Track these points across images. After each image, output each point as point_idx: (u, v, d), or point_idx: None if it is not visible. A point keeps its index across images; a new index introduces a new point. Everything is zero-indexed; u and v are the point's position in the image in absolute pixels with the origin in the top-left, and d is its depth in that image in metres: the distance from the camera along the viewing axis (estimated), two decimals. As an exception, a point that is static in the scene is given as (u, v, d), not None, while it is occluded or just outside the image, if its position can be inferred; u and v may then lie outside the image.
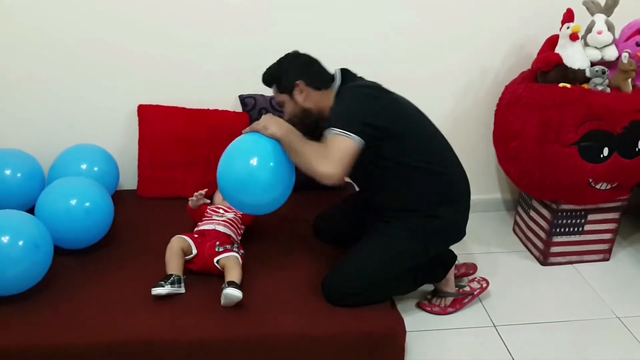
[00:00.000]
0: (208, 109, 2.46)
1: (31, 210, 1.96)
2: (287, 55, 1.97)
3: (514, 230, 2.73)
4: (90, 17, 2.31)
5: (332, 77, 1.94)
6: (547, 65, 2.23)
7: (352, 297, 1.79)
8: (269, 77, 1.97)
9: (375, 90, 1.88)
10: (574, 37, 2.22)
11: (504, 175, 2.81)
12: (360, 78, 1.99)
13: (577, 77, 2.22)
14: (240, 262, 1.90)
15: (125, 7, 2.31)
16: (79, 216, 1.93)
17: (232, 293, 1.71)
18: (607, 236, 2.43)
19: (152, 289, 1.76)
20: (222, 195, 1.87)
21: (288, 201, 1.95)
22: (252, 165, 1.75)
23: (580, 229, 2.39)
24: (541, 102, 2.17)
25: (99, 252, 2.03)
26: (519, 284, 2.32)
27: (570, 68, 2.22)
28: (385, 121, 1.79)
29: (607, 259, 2.49)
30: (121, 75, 2.42)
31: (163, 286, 1.76)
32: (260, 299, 1.82)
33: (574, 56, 2.23)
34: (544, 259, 2.43)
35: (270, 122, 1.79)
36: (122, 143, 2.51)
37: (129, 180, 2.52)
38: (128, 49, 2.38)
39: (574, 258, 2.45)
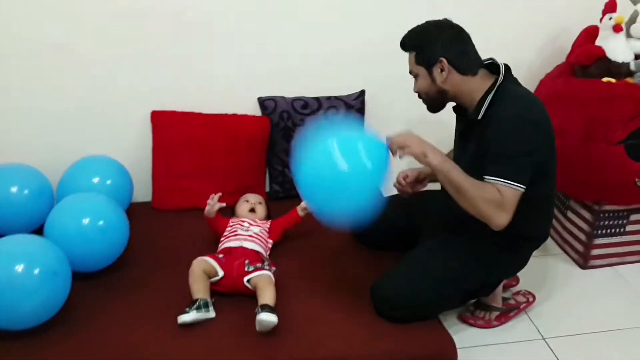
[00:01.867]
0: (226, 114, 2.31)
1: (39, 231, 1.82)
2: (439, 23, 1.71)
3: (547, 232, 2.60)
4: (98, 19, 2.13)
5: (481, 63, 1.73)
6: (589, 59, 2.10)
7: (402, 309, 1.67)
8: (410, 42, 1.72)
9: (536, 110, 1.65)
10: (617, 28, 2.09)
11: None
12: (516, 79, 1.76)
13: (620, 70, 2.10)
14: (273, 280, 1.76)
15: (134, 7, 2.13)
16: (93, 236, 1.78)
17: (268, 319, 1.57)
18: (649, 236, 2.32)
19: (178, 317, 1.62)
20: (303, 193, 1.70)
21: None
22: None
23: (622, 229, 2.27)
24: (584, 98, 2.05)
25: (115, 274, 1.88)
26: (562, 291, 2.20)
27: (614, 61, 2.09)
28: (543, 154, 1.65)
29: (649, 260, 2.38)
30: (132, 80, 2.25)
31: (188, 312, 1.62)
32: (298, 320, 1.68)
33: (617, 48, 2.10)
34: (584, 262, 2.32)
35: (414, 142, 1.61)
36: (135, 152, 2.34)
37: (142, 192, 2.35)
38: (139, 51, 2.21)
39: (614, 260, 2.34)
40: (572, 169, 2.12)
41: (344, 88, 2.36)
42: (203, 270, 1.74)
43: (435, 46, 1.67)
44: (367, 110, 2.40)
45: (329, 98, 2.33)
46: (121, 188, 2.15)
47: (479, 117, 1.66)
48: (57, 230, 1.78)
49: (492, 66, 1.74)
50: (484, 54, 2.41)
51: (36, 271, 1.54)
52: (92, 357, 1.55)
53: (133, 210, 2.20)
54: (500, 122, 1.60)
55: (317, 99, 2.33)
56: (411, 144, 1.61)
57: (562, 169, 2.15)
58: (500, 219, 1.57)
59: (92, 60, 2.19)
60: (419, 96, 1.77)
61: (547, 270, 2.33)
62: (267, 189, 2.44)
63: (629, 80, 2.10)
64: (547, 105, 2.17)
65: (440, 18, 1.73)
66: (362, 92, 2.37)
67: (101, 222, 1.80)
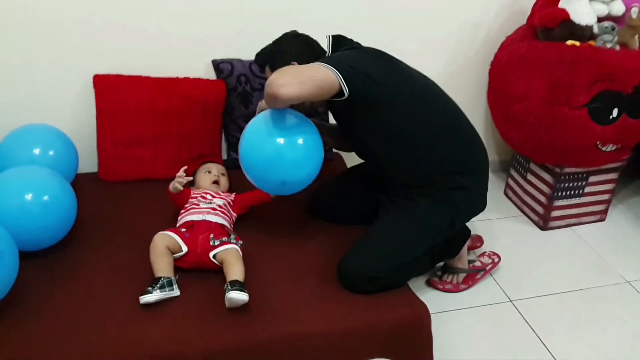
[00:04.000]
0: (177, 77, 2.14)
1: None
2: (285, 35, 1.81)
3: (505, 194, 2.63)
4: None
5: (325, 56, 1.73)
6: (553, 22, 2.07)
7: (373, 281, 1.62)
8: (263, 57, 1.81)
9: (374, 49, 1.70)
10: (581, -11, 2.08)
11: (495, 137, 2.70)
12: (358, 44, 1.78)
13: (584, 34, 2.08)
14: (241, 254, 1.66)
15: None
16: (37, 213, 1.62)
17: (238, 297, 1.49)
18: (605, 197, 2.38)
19: (140, 297, 1.50)
20: (250, 177, 1.71)
21: None
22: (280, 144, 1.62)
23: (581, 191, 2.31)
24: (549, 61, 2.03)
25: (64, 251, 1.72)
26: (524, 253, 2.23)
27: (578, 24, 2.07)
28: (381, 75, 1.61)
29: (604, 219, 2.45)
30: (71, 41, 2.03)
31: (151, 292, 1.51)
32: (268, 295, 1.60)
33: (581, 11, 2.07)
34: (544, 223, 2.36)
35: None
36: (77, 120, 2.14)
37: (87, 162, 2.16)
38: (77, 10, 1.99)
39: (572, 221, 2.39)
40: (535, 132, 2.12)
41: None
42: (166, 246, 1.62)
43: (286, 54, 1.74)
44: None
45: (288, 60, 2.21)
46: (65, 159, 1.96)
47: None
48: (-3, 206, 1.60)
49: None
50: (442, 20, 2.39)
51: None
52: (46, 342, 1.40)
53: (78, 183, 2.03)
54: None
55: (276, 60, 2.20)
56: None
57: (524, 132, 2.17)
58: (275, 74, 1.51)
59: (27, 18, 1.96)
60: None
61: (508, 232, 2.35)
62: (225, 157, 2.31)
63: (592, 43, 2.09)
64: (511, 70, 2.18)
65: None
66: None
67: (46, 197, 1.64)
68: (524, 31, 2.25)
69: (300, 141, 1.64)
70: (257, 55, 1.83)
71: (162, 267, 1.59)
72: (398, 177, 1.76)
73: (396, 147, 1.70)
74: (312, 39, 1.81)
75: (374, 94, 1.61)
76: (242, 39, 2.17)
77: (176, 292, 1.56)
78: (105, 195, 2.05)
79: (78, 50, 2.06)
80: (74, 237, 1.77)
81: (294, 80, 1.50)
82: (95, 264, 1.70)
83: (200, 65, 2.19)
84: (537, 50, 2.08)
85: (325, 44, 1.79)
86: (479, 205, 1.83)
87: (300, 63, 1.69)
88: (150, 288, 1.52)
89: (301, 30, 1.84)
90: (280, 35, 1.82)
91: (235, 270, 1.59)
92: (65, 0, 1.96)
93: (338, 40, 1.79)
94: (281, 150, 1.62)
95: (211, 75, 2.19)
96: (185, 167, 1.82)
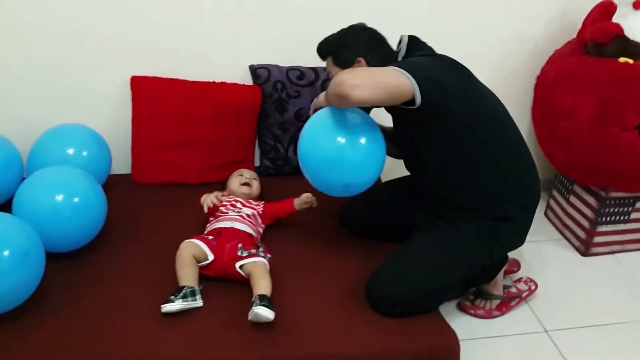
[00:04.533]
0: (213, 82, 2.12)
1: (6, 207, 1.66)
2: (353, 27, 1.71)
3: (546, 215, 2.51)
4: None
5: (396, 56, 1.65)
6: (606, 37, 1.97)
7: (402, 305, 1.56)
8: (326, 47, 1.72)
9: (455, 62, 1.60)
10: (637, 5, 1.96)
11: (537, 154, 2.57)
12: (432, 50, 1.69)
13: (639, 51, 1.97)
14: (268, 269, 1.63)
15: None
16: (67, 214, 1.62)
17: (265, 314, 1.45)
18: (653, 224, 2.25)
19: (162, 306, 1.48)
20: (309, 177, 1.66)
21: (311, 188, 1.70)
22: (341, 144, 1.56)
23: (627, 217, 2.19)
24: (599, 79, 1.93)
25: (92, 254, 1.73)
26: (563, 279, 2.12)
27: (632, 40, 1.96)
28: (455, 88, 1.52)
29: (650, 248, 2.32)
30: (110, 41, 2.04)
31: (173, 301, 1.49)
32: (290, 310, 1.56)
33: (636, 27, 1.96)
34: (586, 249, 2.24)
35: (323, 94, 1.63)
36: (113, 121, 2.15)
37: (120, 164, 2.18)
38: (118, 11, 1.99)
39: (616, 248, 2.26)
40: (581, 153, 2.02)
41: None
42: (192, 254, 1.60)
43: (353, 48, 1.66)
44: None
45: (326, 69, 2.15)
46: (98, 160, 1.98)
47: None
48: (28, 206, 1.61)
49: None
50: (488, 31, 2.29)
51: (5, 253, 1.38)
52: (67, 346, 1.41)
53: (111, 184, 2.04)
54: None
55: (314, 69, 2.15)
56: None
57: (569, 151, 2.07)
58: (345, 74, 1.46)
59: (66, 19, 1.98)
60: None
61: (547, 257, 2.24)
62: (257, 164, 2.29)
63: (648, 61, 1.98)
64: (559, 85, 2.08)
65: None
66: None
67: (76, 199, 1.64)
68: (574, 45, 2.14)
69: (364, 141, 1.58)
70: (321, 44, 1.73)
71: (187, 275, 1.57)
72: (445, 196, 1.67)
73: (453, 163, 1.61)
74: (380, 34, 1.71)
75: (446, 107, 1.52)
76: (281, 44, 2.15)
77: (199, 302, 1.54)
78: (136, 198, 2.06)
79: (117, 51, 2.06)
80: (102, 239, 1.78)
81: (368, 84, 1.43)
82: (121, 268, 1.69)
83: (238, 69, 2.16)
84: (587, 66, 1.97)
85: (390, 40, 1.71)
86: (520, 240, 1.75)
87: (366, 59, 1.62)
88: (172, 297, 1.50)
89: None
90: (346, 26, 1.72)
91: (263, 284, 1.56)
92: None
93: (414, 42, 1.69)
94: (344, 151, 1.56)
95: (248, 80, 2.17)
96: (221, 199, 1.82)
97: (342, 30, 1.71)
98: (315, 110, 1.68)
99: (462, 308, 1.92)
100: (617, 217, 2.18)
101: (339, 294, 1.65)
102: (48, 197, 1.62)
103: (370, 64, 1.61)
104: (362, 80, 1.43)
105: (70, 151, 1.90)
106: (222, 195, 1.86)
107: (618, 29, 1.97)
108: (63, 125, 1.98)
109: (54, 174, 1.70)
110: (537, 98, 2.23)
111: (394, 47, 1.71)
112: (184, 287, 1.53)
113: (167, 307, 1.48)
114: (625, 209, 2.16)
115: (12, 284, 1.40)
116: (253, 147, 2.24)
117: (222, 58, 2.14)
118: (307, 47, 2.13)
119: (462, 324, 1.85)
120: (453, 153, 1.59)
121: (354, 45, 1.66)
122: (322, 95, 1.66)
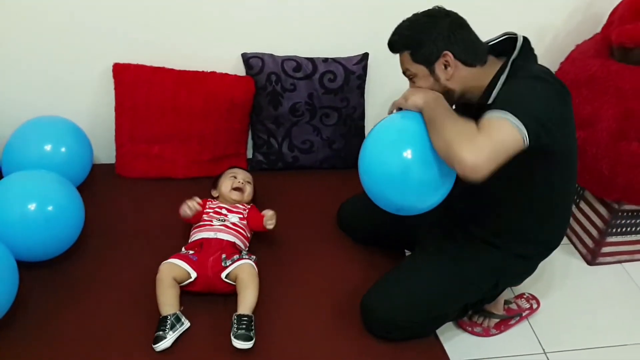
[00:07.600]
0: (203, 71, 1.97)
1: None
2: (432, 12, 1.41)
3: (552, 217, 2.40)
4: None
5: (487, 50, 1.44)
6: (633, 41, 1.78)
7: (398, 329, 1.47)
8: (404, 41, 1.42)
9: (563, 88, 1.39)
10: (672, 4, 1.77)
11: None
12: (535, 56, 1.46)
13: (670, 58, 1.80)
14: (256, 270, 1.56)
15: None
16: (40, 225, 1.51)
17: (240, 346, 1.39)
18: (664, 236, 2.13)
19: (154, 346, 1.39)
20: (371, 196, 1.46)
21: (305, 185, 1.57)
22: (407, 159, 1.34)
23: (637, 228, 2.07)
24: (622, 88, 1.77)
25: (68, 262, 1.62)
26: (567, 292, 2.02)
27: (664, 46, 1.78)
28: (557, 131, 1.33)
29: (659, 260, 2.21)
30: (92, 26, 1.87)
31: (165, 337, 1.39)
32: (278, 326, 1.50)
33: (670, 30, 1.78)
34: (592, 258, 2.13)
35: (413, 92, 1.40)
36: (94, 111, 2.01)
37: (104, 154, 2.05)
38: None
39: (624, 257, 2.16)
40: (597, 165, 1.87)
41: (344, 49, 2.01)
42: (173, 277, 1.51)
43: (437, 39, 1.38)
44: (370, 78, 2.06)
45: (325, 60, 1.98)
46: (78, 156, 1.86)
47: (490, 102, 1.36)
48: (-2, 215, 1.50)
49: (501, 45, 1.45)
50: (504, 16, 2.09)
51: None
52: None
53: (94, 176, 1.94)
54: (508, 90, 1.35)
55: (311, 60, 1.98)
56: (409, 93, 1.41)
57: (584, 162, 1.92)
58: (466, 150, 1.20)
59: (42, 4, 1.80)
60: None
61: (552, 263, 2.11)
62: (250, 156, 2.15)
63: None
64: (578, 90, 1.90)
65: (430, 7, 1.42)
66: (365, 56, 2.02)
67: (50, 208, 1.53)
68: (597, 44, 1.95)
69: (432, 160, 1.34)
70: (395, 35, 1.44)
71: (168, 300, 1.48)
72: (476, 214, 1.56)
73: (519, 192, 1.49)
74: (463, 19, 1.41)
75: (541, 145, 1.31)
76: (276, 31, 1.97)
77: (186, 324, 1.46)
78: (119, 195, 1.95)
79: (97, 35, 1.89)
80: (82, 244, 1.67)
81: (489, 161, 1.21)
82: (104, 276, 1.61)
83: (229, 57, 2.00)
84: (610, 72, 1.80)
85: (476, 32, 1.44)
86: (522, 280, 1.69)
87: (457, 55, 1.37)
88: (161, 332, 1.40)
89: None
90: (422, 10, 1.42)
91: (248, 296, 1.48)
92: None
93: (528, 45, 1.42)
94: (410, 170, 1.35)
95: (240, 70, 2.00)
96: (199, 201, 1.69)
97: (417, 17, 1.41)
98: (392, 111, 1.47)
99: (458, 324, 1.83)
100: (627, 229, 2.06)
101: (329, 306, 1.57)
102: (19, 206, 1.50)
103: (457, 57, 1.38)
104: (485, 158, 1.21)
105: (48, 148, 1.77)
106: (214, 195, 1.77)
107: (648, 32, 1.78)
108: (40, 118, 1.84)
109: (26, 179, 1.58)
110: (554, 98, 2.06)
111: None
112: (166, 317, 1.44)
113: (162, 345, 1.39)
114: (637, 220, 2.04)
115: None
116: (245, 140, 2.10)
117: (212, 45, 1.97)
118: (305, 35, 1.99)
119: (457, 342, 1.78)
120: (528, 187, 1.47)
121: (437, 38, 1.37)
122: (413, 97, 1.39)
